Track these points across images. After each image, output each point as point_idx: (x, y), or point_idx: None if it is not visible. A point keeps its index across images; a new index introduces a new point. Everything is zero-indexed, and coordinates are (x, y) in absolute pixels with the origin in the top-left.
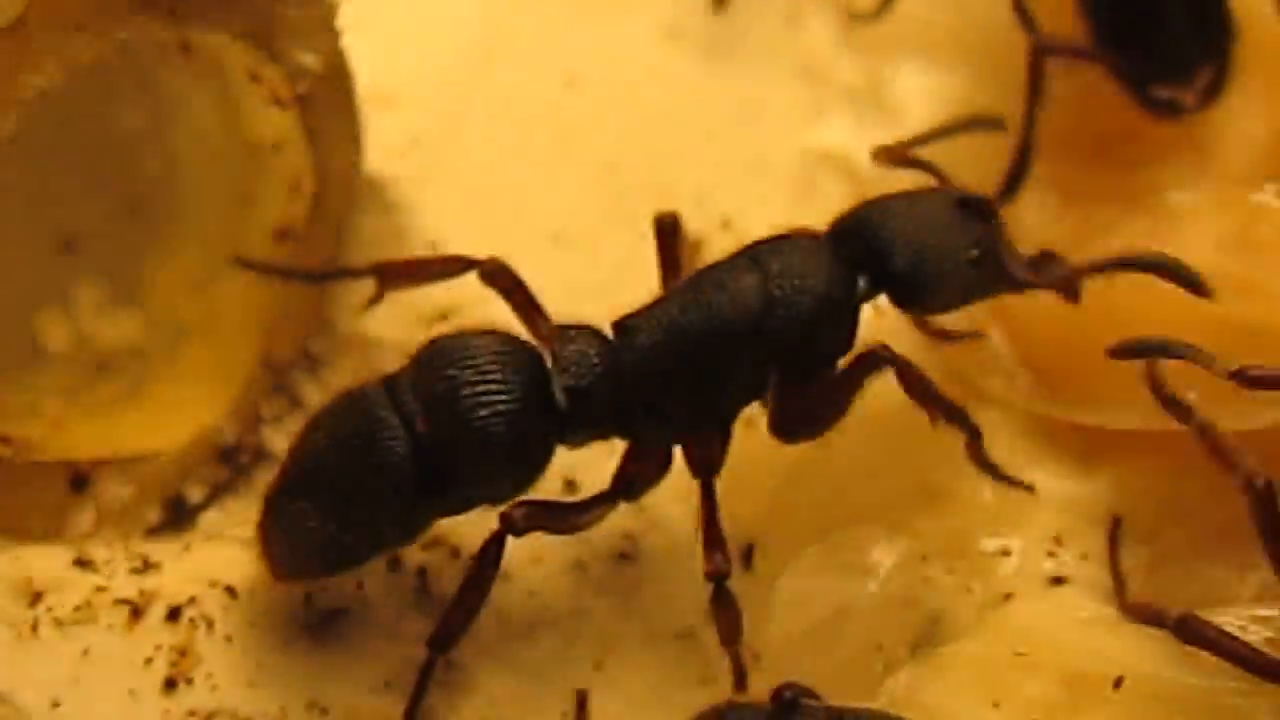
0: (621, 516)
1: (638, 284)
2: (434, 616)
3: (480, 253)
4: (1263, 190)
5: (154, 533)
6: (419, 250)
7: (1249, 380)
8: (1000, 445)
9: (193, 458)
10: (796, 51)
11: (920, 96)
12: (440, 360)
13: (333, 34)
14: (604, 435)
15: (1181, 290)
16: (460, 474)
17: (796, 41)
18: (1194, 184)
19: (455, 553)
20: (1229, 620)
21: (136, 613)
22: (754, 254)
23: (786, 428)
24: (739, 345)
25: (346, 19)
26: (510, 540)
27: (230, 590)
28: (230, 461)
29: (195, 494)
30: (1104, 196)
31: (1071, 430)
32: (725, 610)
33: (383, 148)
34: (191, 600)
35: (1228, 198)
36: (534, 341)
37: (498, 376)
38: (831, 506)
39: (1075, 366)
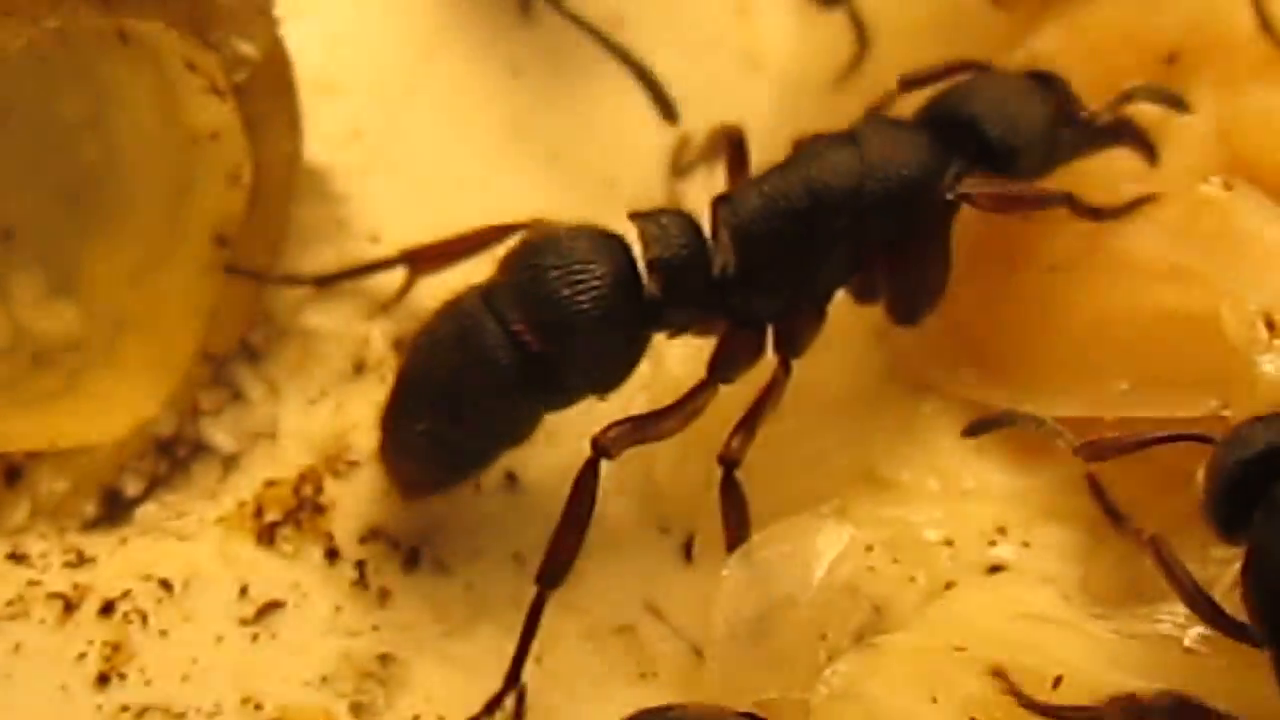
0: (558, 508)
1: None
2: (372, 609)
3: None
4: (1209, 183)
5: (90, 526)
6: (359, 242)
7: (1093, 453)
8: (943, 435)
9: (130, 450)
10: (744, 40)
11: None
12: (527, 255)
13: (271, 22)
14: (699, 317)
15: (1123, 281)
16: (559, 364)
17: (745, 30)
18: (1142, 176)
19: (395, 544)
20: (1166, 615)
21: (70, 607)
22: (852, 133)
23: (904, 307)
24: (835, 216)
25: (286, 6)
26: (447, 534)
27: (165, 584)
28: (168, 454)
29: (132, 487)
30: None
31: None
32: (731, 499)
33: (324, 137)
34: (126, 594)
35: (1174, 189)
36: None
37: (584, 262)
38: (775, 495)
39: (1017, 355)
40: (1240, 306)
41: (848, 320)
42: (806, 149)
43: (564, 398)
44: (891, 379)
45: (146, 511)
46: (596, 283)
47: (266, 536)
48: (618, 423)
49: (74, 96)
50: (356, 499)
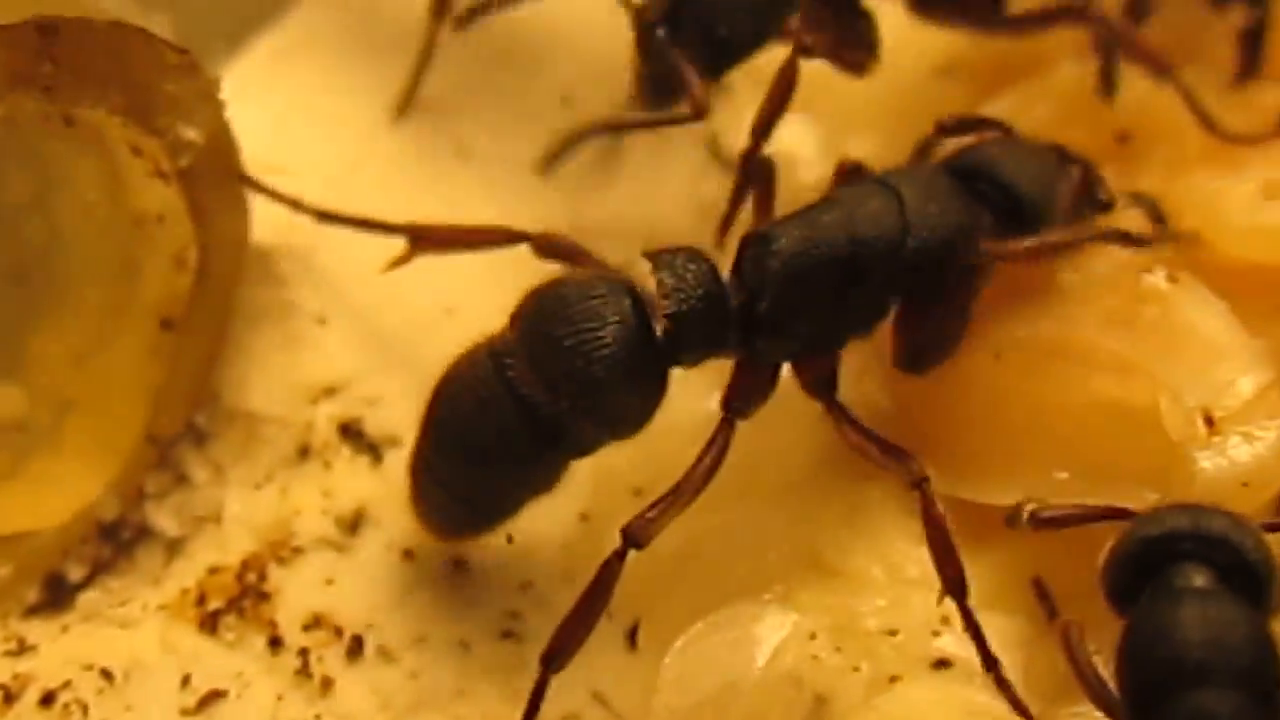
0: (506, 596)
1: None
2: (315, 699)
3: (371, 327)
4: (1152, 273)
5: (31, 612)
6: (305, 325)
7: (1039, 522)
8: (887, 520)
9: (74, 535)
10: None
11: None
12: (536, 318)
13: (216, 106)
14: (718, 352)
15: (1064, 370)
16: (576, 423)
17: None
18: (1085, 265)
19: (338, 632)
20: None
21: (9, 697)
22: (885, 181)
23: (915, 356)
24: (875, 266)
25: (232, 88)
26: (392, 621)
27: (106, 674)
28: (112, 539)
29: (75, 572)
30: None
31: (959, 507)
32: (934, 517)
33: (270, 218)
34: (67, 684)
35: (1118, 278)
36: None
37: (594, 322)
38: (719, 581)
39: (960, 442)
40: (1179, 402)
41: (792, 404)
42: (846, 194)
43: (586, 448)
44: (836, 464)
45: (89, 598)
46: (608, 344)
47: (209, 624)
48: (647, 511)
49: (18, 177)
50: (300, 586)
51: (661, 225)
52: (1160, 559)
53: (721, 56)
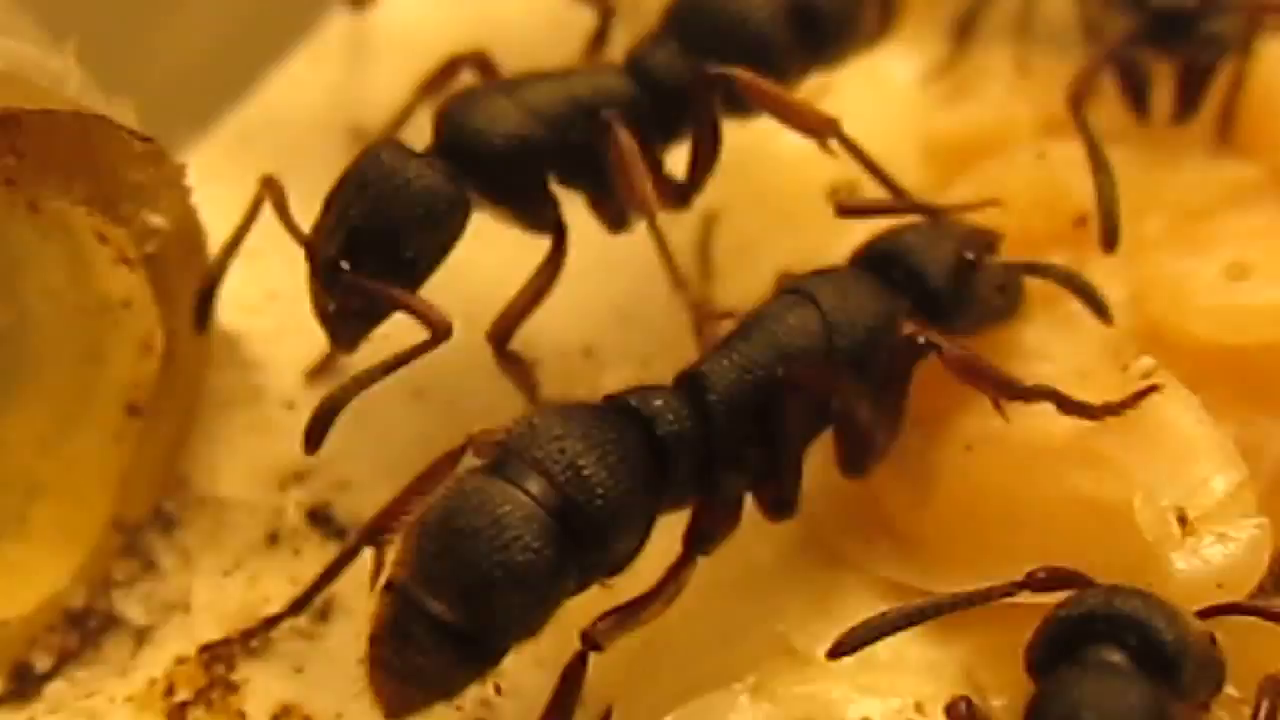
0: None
1: None
2: None
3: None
4: (1121, 370)
5: None
6: (273, 409)
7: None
8: (858, 608)
9: (40, 623)
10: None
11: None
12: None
13: (182, 192)
14: (685, 497)
15: (1037, 465)
16: (594, 547)
17: None
18: (1058, 356)
19: None
20: None
21: None
22: (797, 289)
23: (856, 458)
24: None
25: (199, 168)
26: (361, 709)
27: None
28: (79, 627)
29: (41, 662)
30: None
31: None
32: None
33: (237, 302)
34: None
35: (1089, 370)
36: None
37: (612, 456)
38: (692, 670)
39: (931, 533)
40: (1153, 501)
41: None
42: (764, 313)
43: (588, 581)
44: (807, 551)
45: (56, 688)
46: (619, 477)
47: (177, 716)
48: (606, 615)
49: None
50: (269, 676)
51: None
52: (1077, 637)
53: (409, 278)
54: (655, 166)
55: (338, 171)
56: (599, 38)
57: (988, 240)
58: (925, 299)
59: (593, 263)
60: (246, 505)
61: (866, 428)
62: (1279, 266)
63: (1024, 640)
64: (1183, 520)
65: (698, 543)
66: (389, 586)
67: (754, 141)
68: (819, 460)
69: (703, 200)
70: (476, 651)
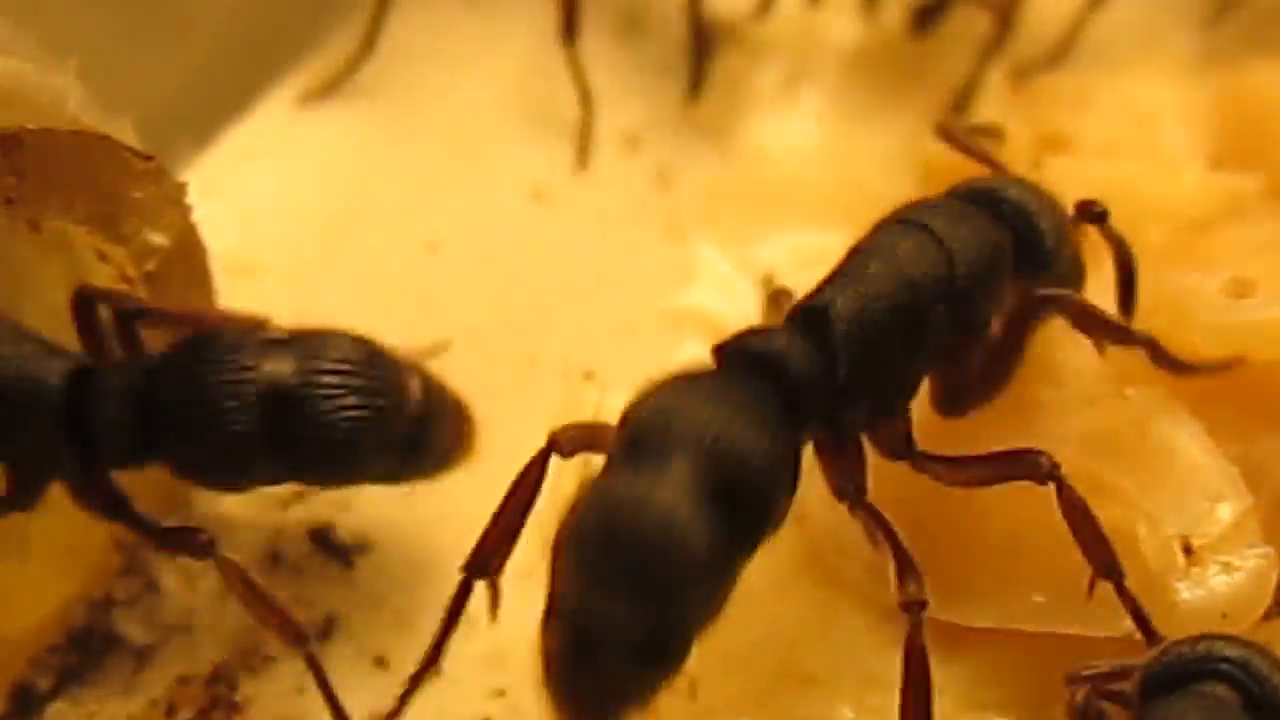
0: (479, 704)
1: (503, 457)
2: None
3: None
4: (1126, 395)
5: None
6: None
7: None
8: (859, 632)
9: (41, 643)
10: (663, 213)
11: (789, 257)
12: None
13: (183, 210)
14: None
15: (1038, 490)
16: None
17: (663, 203)
18: (1062, 381)
19: None
20: None
21: None
22: (906, 220)
23: (958, 397)
24: (934, 305)
25: (200, 186)
26: None
27: None
28: (80, 647)
29: (43, 681)
30: None
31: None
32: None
33: None
34: None
35: (1096, 395)
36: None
37: (750, 416)
38: (694, 702)
39: (934, 559)
40: (1158, 530)
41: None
42: (878, 243)
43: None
44: (806, 572)
45: (57, 709)
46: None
47: None
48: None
49: None
50: (271, 695)
51: None
52: (1192, 673)
53: None
54: None
55: (338, 188)
56: None
57: (1098, 209)
58: (1029, 243)
59: (591, 283)
60: (248, 524)
61: (963, 369)
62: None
63: (1024, 660)
64: (1188, 550)
65: (849, 486)
66: (551, 614)
67: None
68: (818, 479)
69: None
70: (667, 655)
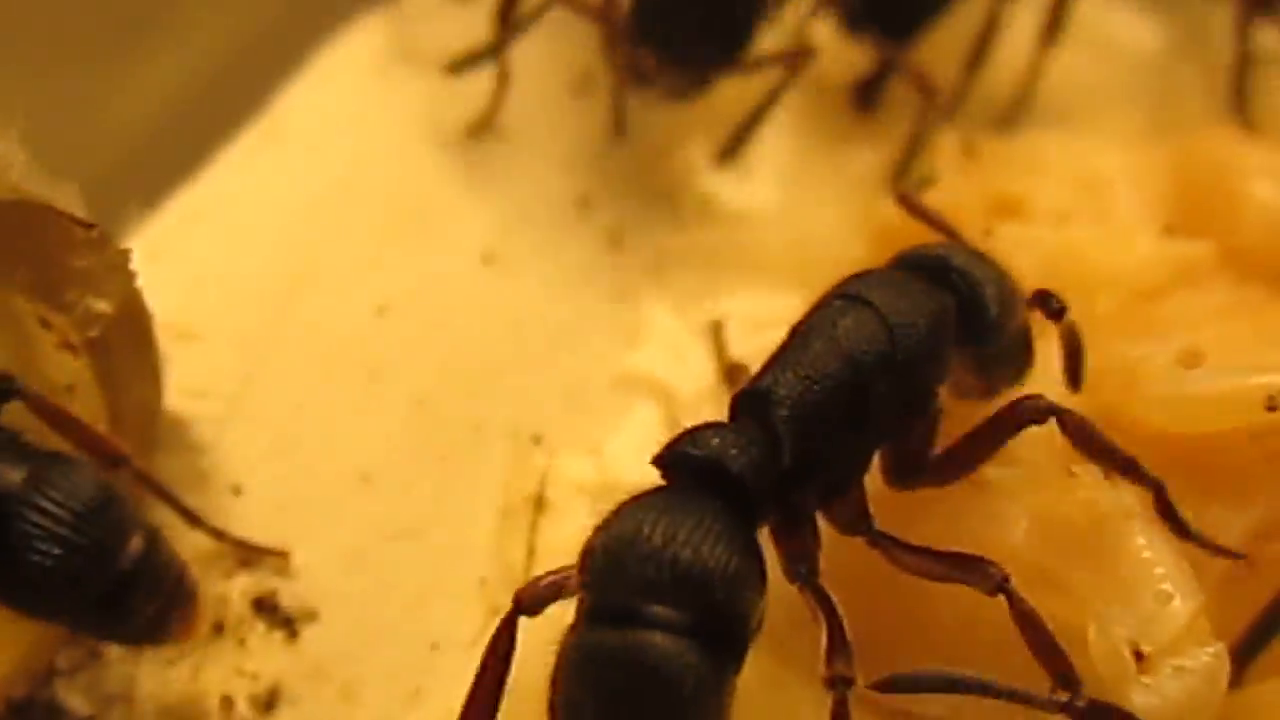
0: None
1: (451, 524)
2: None
3: (287, 496)
4: (1073, 474)
5: None
6: (220, 494)
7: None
8: (807, 704)
9: None
10: (614, 275)
11: (741, 319)
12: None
13: (126, 276)
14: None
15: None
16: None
17: (615, 265)
18: (1013, 460)
19: None
20: None
21: None
22: (847, 295)
23: (907, 470)
24: (875, 381)
25: (145, 249)
26: None
27: None
28: (22, 718)
29: None
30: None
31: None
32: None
33: (184, 385)
34: None
35: (1045, 477)
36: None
37: (708, 533)
38: None
39: (887, 647)
40: (1108, 634)
41: None
42: (815, 323)
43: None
44: (760, 642)
45: None
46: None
47: None
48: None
49: None
50: None
51: None
52: None
53: None
54: None
55: (286, 251)
56: None
57: (1057, 304)
58: (974, 312)
59: (541, 346)
60: None
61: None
62: (1231, 352)
63: None
64: (1138, 655)
65: (802, 566)
66: None
67: None
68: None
69: None
70: None
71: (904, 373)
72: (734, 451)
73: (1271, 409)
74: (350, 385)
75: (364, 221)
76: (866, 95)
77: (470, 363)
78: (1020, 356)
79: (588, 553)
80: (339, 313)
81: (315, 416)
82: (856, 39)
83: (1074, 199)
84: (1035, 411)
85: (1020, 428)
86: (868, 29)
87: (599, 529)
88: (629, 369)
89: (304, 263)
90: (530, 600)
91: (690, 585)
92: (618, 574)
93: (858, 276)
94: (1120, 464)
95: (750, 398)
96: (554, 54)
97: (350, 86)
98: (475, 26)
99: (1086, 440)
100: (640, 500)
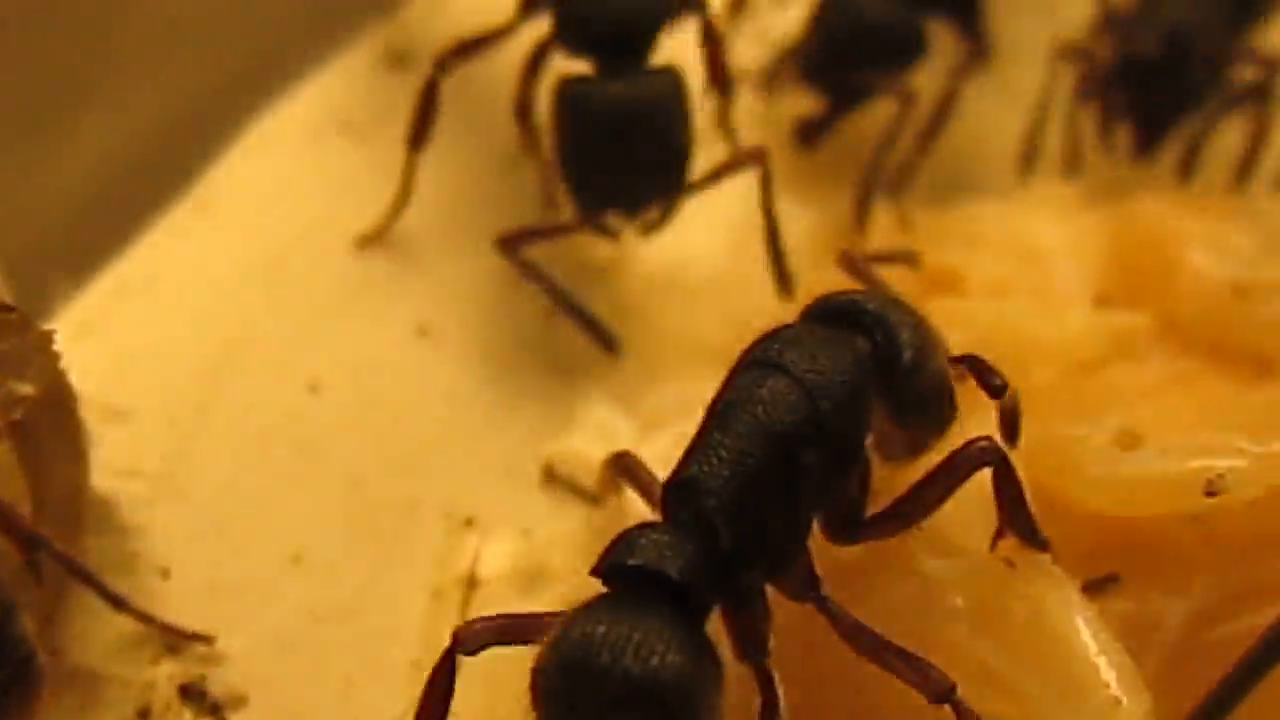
0: None
1: (383, 605)
2: None
3: (215, 579)
4: (1012, 565)
5: None
6: (148, 576)
7: None
8: None
9: None
10: (550, 351)
11: (675, 403)
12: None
13: (50, 357)
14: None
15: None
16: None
17: (551, 340)
18: (949, 550)
19: None
20: None
21: None
22: (761, 361)
23: (846, 527)
24: (801, 449)
25: (71, 326)
26: None
27: None
28: None
29: None
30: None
31: None
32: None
33: (112, 465)
34: None
35: (981, 566)
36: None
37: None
38: None
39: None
40: None
41: None
42: (733, 397)
43: None
44: None
45: None
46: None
47: None
48: None
49: None
50: None
51: None
52: None
53: None
54: None
55: (217, 327)
56: None
57: (999, 381)
58: (888, 357)
59: (477, 424)
60: (118, 678)
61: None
62: (1170, 430)
63: None
64: None
65: (753, 648)
66: None
67: None
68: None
69: None
70: None
71: (829, 434)
72: (670, 554)
73: (1210, 494)
74: (281, 464)
75: (296, 295)
76: (810, 134)
77: (404, 440)
78: (941, 404)
79: (538, 672)
80: (271, 390)
81: (246, 496)
82: (812, 90)
83: (1010, 271)
84: (985, 453)
85: (970, 472)
86: (822, 82)
87: (547, 647)
88: (562, 449)
89: (235, 338)
90: (469, 639)
91: (645, 701)
92: (570, 696)
93: (770, 337)
94: (1030, 539)
95: (680, 489)
96: (489, 128)
97: (283, 157)
98: (409, 95)
99: (1009, 498)
100: (585, 613)
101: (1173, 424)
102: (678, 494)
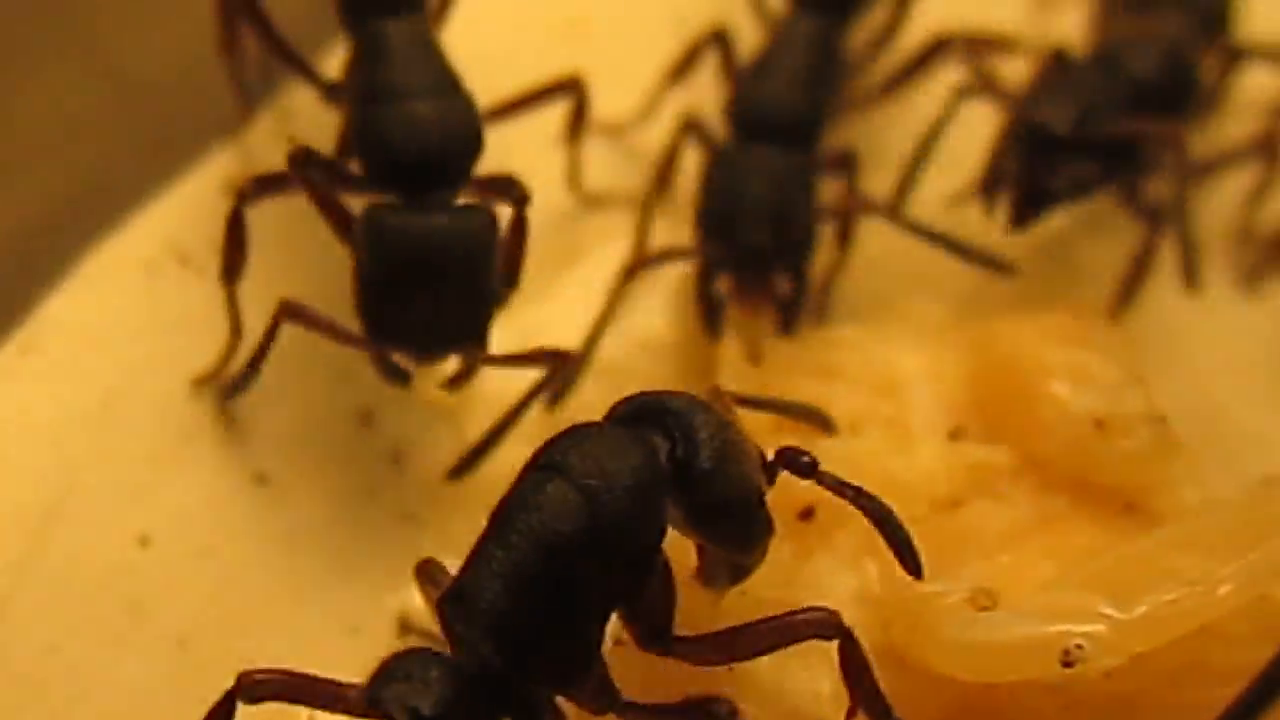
0: None
1: None
2: None
3: None
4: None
5: None
6: None
7: None
8: None
9: None
10: (397, 496)
11: None
12: None
13: None
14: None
15: None
16: None
17: (397, 484)
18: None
19: None
20: None
21: None
22: (545, 465)
23: (655, 635)
24: (580, 558)
25: None
26: None
27: None
28: None
29: None
30: None
31: None
32: None
33: None
34: None
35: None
36: None
37: None
38: None
39: None
40: None
41: None
42: (512, 505)
43: None
44: None
45: None
46: None
47: None
48: None
49: None
50: None
51: None
52: None
53: None
54: None
55: (41, 476)
56: None
57: (808, 459)
58: (686, 458)
59: (319, 575)
60: None
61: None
62: (1029, 584)
63: None
64: None
65: None
66: None
67: None
68: None
69: None
70: None
71: (610, 539)
72: (421, 688)
73: (1067, 665)
74: (108, 624)
75: (127, 442)
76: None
77: (240, 596)
78: (747, 514)
79: None
80: (98, 544)
81: (69, 659)
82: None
83: (866, 404)
84: (825, 626)
85: (804, 638)
86: None
87: None
88: (409, 604)
89: (60, 489)
90: (251, 687)
91: None
92: None
93: (559, 438)
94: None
95: (452, 603)
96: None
97: (115, 293)
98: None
99: (857, 678)
100: None
101: (1032, 575)
102: (450, 607)
